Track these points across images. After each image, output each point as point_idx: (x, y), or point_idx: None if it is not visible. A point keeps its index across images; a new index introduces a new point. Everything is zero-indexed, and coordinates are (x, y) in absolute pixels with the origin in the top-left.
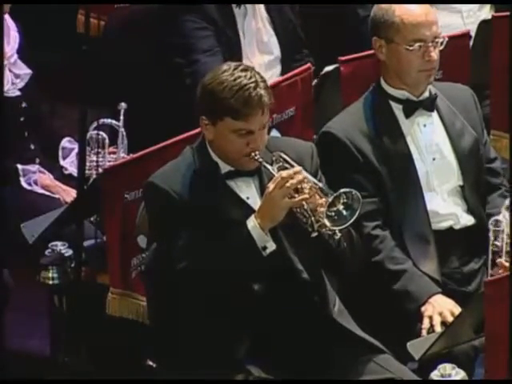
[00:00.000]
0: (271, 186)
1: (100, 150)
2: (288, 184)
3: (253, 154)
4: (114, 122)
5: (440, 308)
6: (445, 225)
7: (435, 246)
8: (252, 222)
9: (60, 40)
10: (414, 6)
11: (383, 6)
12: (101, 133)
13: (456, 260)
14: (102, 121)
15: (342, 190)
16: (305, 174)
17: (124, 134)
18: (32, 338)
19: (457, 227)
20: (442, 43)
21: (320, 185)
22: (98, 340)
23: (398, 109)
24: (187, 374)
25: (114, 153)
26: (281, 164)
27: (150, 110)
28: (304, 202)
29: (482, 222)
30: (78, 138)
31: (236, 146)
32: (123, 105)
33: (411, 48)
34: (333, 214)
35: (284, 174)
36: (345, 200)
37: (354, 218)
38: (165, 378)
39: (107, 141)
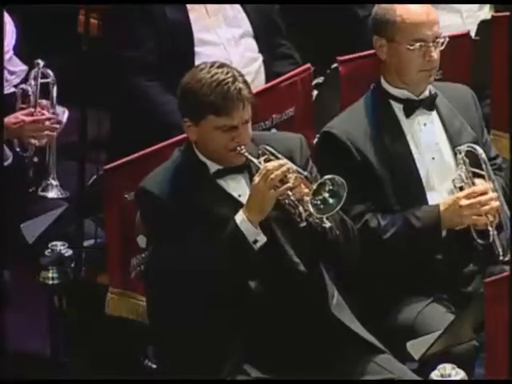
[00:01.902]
0: (257, 178)
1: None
2: (273, 176)
3: (238, 148)
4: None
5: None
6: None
7: None
8: (240, 217)
9: (59, 40)
10: (416, 5)
11: (384, 5)
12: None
13: (456, 260)
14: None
15: (326, 177)
16: (290, 164)
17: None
18: (32, 338)
19: (456, 227)
20: (442, 43)
21: (305, 174)
22: (97, 340)
23: (398, 108)
24: (185, 373)
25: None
26: (267, 157)
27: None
28: (290, 192)
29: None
30: (78, 137)
31: (221, 142)
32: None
33: (412, 47)
34: (319, 202)
35: (269, 165)
36: (330, 187)
37: (340, 205)
38: (164, 378)
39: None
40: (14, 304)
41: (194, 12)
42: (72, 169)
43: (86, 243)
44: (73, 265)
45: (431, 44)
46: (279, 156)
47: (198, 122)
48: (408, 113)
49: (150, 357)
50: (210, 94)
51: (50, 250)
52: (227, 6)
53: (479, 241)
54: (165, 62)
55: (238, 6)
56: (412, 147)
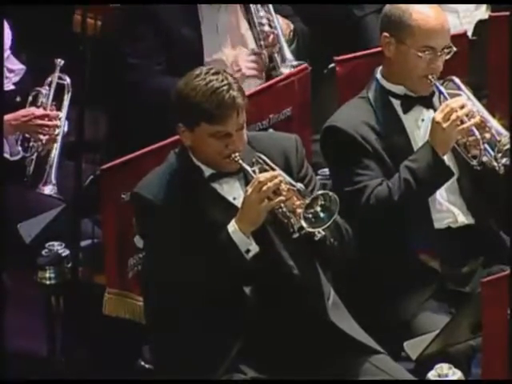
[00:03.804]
0: (249, 190)
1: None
2: (265, 188)
3: (233, 155)
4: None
5: None
6: (443, 223)
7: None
8: (233, 227)
9: (57, 40)
10: (432, 12)
11: (400, 5)
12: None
13: (454, 260)
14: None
15: (320, 192)
16: (282, 175)
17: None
18: (29, 338)
19: (455, 226)
20: (449, 52)
21: (298, 186)
22: (94, 340)
23: (396, 104)
24: (182, 374)
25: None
26: (261, 166)
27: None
28: (282, 204)
29: (481, 222)
30: (75, 136)
31: (215, 149)
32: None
33: (420, 54)
34: (310, 215)
35: (261, 177)
36: (322, 202)
37: (332, 220)
38: (161, 379)
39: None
40: (11, 304)
41: (207, 32)
42: (69, 169)
43: (83, 243)
44: (70, 265)
45: (439, 53)
46: (273, 166)
47: (192, 129)
48: (406, 108)
49: (147, 357)
50: (205, 102)
51: (47, 250)
52: (235, 24)
53: (474, 162)
54: (172, 75)
55: (246, 24)
56: (412, 142)
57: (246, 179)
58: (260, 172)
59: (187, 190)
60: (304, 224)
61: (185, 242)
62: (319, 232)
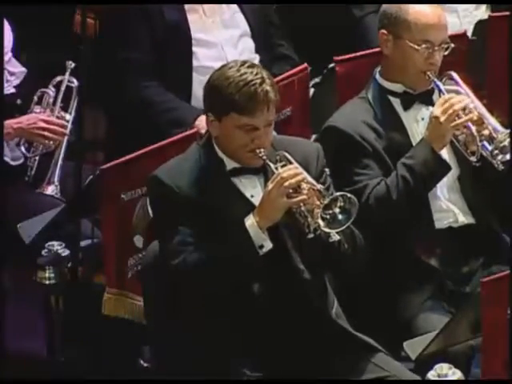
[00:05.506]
0: (270, 185)
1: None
2: (286, 184)
3: (257, 150)
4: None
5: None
6: (444, 223)
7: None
8: (250, 220)
9: (57, 40)
10: (428, 7)
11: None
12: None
13: (454, 260)
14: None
15: (339, 193)
16: (305, 174)
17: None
18: (28, 338)
19: (455, 225)
20: (447, 48)
21: (318, 186)
22: (94, 340)
23: (396, 103)
24: (182, 374)
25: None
26: (284, 163)
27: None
28: (301, 203)
29: (482, 222)
30: (75, 136)
31: (241, 142)
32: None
33: (418, 47)
34: (328, 216)
35: (284, 173)
36: (341, 204)
37: (350, 222)
38: (161, 379)
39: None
40: (11, 304)
41: (192, 12)
42: (69, 169)
43: (82, 243)
44: (69, 265)
45: (437, 48)
46: (296, 165)
47: (220, 118)
48: (406, 106)
49: (147, 357)
50: (236, 93)
51: (46, 250)
52: (224, 8)
53: (472, 158)
54: (162, 62)
55: (235, 7)
56: (412, 139)
57: (266, 179)
58: None
59: (206, 180)
60: (321, 223)
61: (198, 231)
62: (334, 234)
